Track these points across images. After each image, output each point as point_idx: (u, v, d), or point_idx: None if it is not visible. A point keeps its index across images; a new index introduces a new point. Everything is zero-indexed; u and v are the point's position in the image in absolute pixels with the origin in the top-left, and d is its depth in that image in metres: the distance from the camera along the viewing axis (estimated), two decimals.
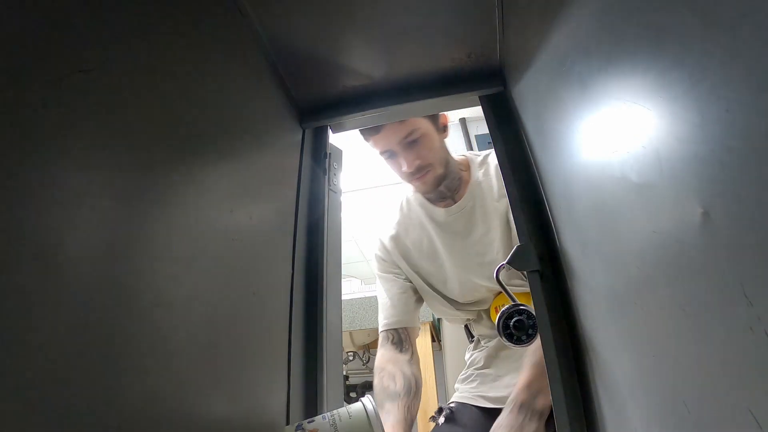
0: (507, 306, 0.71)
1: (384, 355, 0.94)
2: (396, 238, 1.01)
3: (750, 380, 0.19)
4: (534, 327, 0.71)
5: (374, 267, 1.07)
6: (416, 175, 0.88)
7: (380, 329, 0.99)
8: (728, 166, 0.18)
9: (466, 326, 1.06)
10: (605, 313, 0.40)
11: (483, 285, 0.91)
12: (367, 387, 2.13)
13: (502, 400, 0.89)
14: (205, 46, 0.48)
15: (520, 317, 0.70)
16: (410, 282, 1.01)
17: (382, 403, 0.84)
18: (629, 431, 0.38)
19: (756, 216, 0.16)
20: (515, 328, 0.70)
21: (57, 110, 0.28)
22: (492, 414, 0.88)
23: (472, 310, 0.97)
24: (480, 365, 0.97)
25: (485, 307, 0.96)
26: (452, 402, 0.97)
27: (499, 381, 0.92)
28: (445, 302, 0.97)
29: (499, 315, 0.71)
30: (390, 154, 0.89)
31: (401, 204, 1.04)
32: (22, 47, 0.26)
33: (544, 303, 0.55)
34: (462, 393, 0.97)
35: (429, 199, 0.97)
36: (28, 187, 0.26)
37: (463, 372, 1.03)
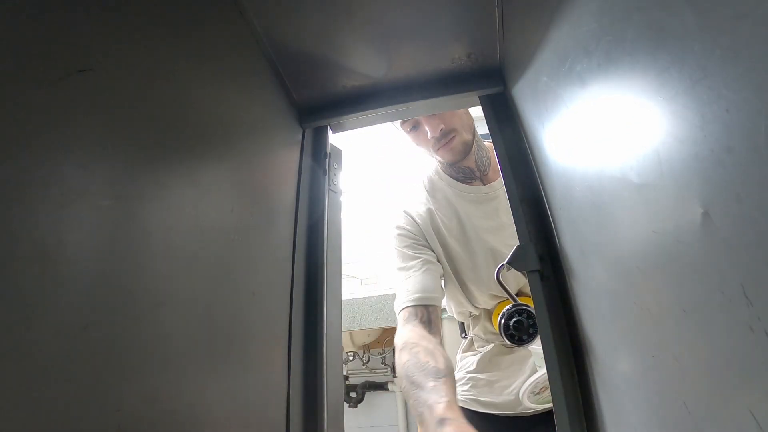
0: (508, 306, 0.71)
1: (413, 331, 0.78)
2: (429, 212, 0.92)
3: (750, 380, 0.19)
4: (534, 326, 0.72)
5: (394, 243, 0.93)
6: (442, 141, 0.86)
7: (405, 304, 0.84)
8: (728, 166, 0.18)
9: (461, 322, 1.04)
10: (605, 313, 0.40)
11: (511, 275, 0.81)
12: (367, 387, 2.13)
13: (495, 405, 0.88)
14: (204, 46, 0.48)
15: (519, 318, 0.71)
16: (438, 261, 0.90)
17: (423, 382, 0.65)
18: (629, 431, 0.38)
19: (756, 216, 0.16)
20: (515, 329, 0.71)
21: (57, 110, 0.28)
22: (485, 419, 0.88)
23: (487, 306, 0.90)
24: (472, 369, 0.95)
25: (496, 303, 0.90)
26: None
27: (490, 386, 0.91)
28: (464, 295, 0.89)
29: (500, 315, 0.71)
30: (414, 126, 0.87)
31: (423, 183, 0.97)
32: (22, 47, 0.26)
33: (544, 303, 0.55)
34: None
35: (457, 179, 0.92)
36: (28, 187, 0.26)
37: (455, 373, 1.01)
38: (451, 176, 0.93)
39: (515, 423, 0.87)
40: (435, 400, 0.59)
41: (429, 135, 0.86)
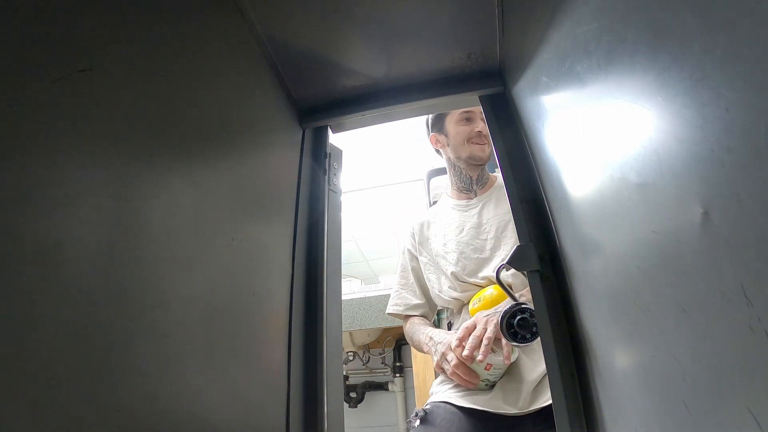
0: (510, 305, 0.71)
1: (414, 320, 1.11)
2: (423, 223, 1.21)
3: (750, 380, 0.19)
4: (537, 325, 0.71)
5: (403, 252, 1.24)
6: (483, 139, 1.12)
7: (408, 312, 1.14)
8: (728, 166, 0.18)
9: (448, 324, 1.08)
10: (605, 313, 0.40)
11: (479, 267, 1.03)
12: (367, 387, 2.13)
13: (475, 399, 0.89)
14: (205, 46, 0.48)
15: (523, 315, 0.70)
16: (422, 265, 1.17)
17: (417, 330, 1.05)
18: (629, 431, 0.38)
19: (756, 216, 0.16)
20: (519, 327, 0.70)
21: (57, 110, 0.28)
22: (466, 412, 0.89)
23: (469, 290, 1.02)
24: None
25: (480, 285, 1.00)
26: (427, 404, 0.97)
27: None
28: (448, 278, 1.07)
29: (501, 314, 0.71)
30: (468, 118, 1.14)
31: (433, 202, 1.28)
32: (22, 47, 0.26)
33: (544, 303, 0.55)
34: (436, 395, 0.97)
35: (457, 192, 1.17)
36: (28, 187, 0.26)
37: (438, 377, 1.03)
38: (451, 196, 1.20)
39: (498, 421, 0.87)
40: (425, 331, 1.02)
41: (477, 129, 1.07)
